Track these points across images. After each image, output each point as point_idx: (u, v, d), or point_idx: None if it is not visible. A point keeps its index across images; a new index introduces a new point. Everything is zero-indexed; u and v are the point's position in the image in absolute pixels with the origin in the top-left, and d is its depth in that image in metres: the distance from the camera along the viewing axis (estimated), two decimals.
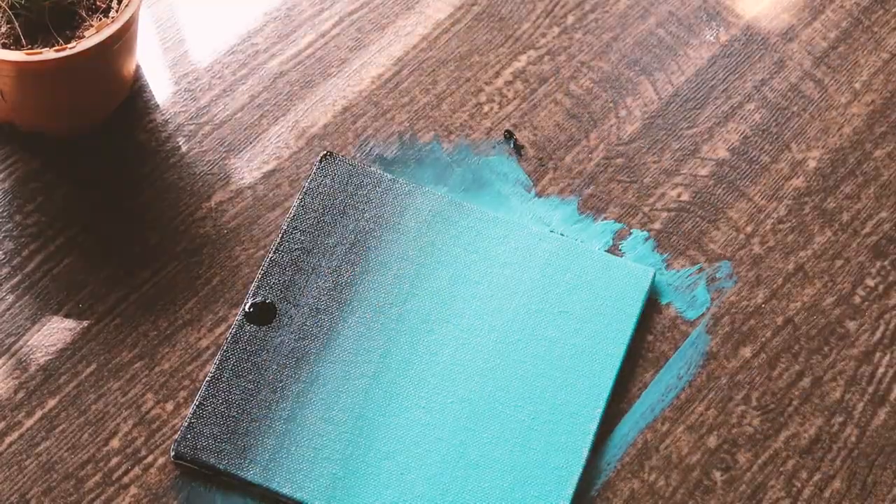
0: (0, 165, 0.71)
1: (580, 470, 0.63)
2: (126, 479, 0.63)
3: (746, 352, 0.69)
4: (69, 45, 0.64)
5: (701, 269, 0.71)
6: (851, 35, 0.80)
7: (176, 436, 0.64)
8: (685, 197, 0.73)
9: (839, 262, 0.72)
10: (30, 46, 0.66)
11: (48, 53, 0.64)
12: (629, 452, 0.65)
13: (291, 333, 0.66)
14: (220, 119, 0.74)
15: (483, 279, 0.68)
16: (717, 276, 0.71)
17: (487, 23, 0.78)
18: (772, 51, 0.79)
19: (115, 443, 0.64)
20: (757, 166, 0.75)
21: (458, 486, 0.63)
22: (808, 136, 0.76)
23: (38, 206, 0.70)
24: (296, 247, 0.68)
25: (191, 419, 0.63)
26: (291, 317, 0.66)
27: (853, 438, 0.66)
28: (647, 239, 0.72)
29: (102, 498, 0.63)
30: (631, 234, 0.72)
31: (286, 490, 0.62)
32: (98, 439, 0.64)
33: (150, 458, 0.64)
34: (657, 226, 0.72)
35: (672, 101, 0.76)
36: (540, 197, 0.72)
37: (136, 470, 0.63)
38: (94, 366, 0.66)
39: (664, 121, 0.76)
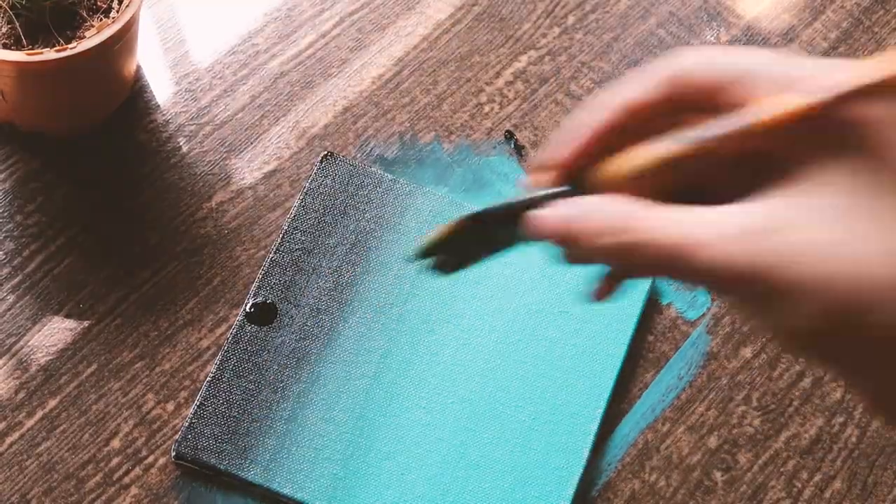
0: (0, 166, 0.71)
1: (581, 470, 0.63)
2: (127, 480, 0.63)
3: (747, 352, 0.69)
4: (70, 46, 0.64)
5: None
6: (852, 35, 0.80)
7: (176, 436, 0.64)
8: None
9: None
10: (30, 47, 0.66)
11: (49, 54, 0.64)
12: (630, 453, 0.65)
13: (292, 334, 0.66)
14: (221, 119, 0.74)
15: (483, 279, 0.68)
16: None
17: (488, 23, 0.78)
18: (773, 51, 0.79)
19: (115, 443, 0.64)
20: None
21: (459, 486, 0.63)
22: None
23: (39, 207, 0.70)
24: (296, 247, 0.68)
25: (191, 419, 0.63)
26: (292, 317, 0.66)
27: (853, 439, 0.66)
28: None
29: (103, 498, 0.63)
30: None
31: (287, 490, 0.62)
32: (99, 439, 0.64)
33: (150, 459, 0.64)
34: None
35: None
36: None
37: (137, 470, 0.63)
38: (94, 366, 0.66)
39: None
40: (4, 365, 0.66)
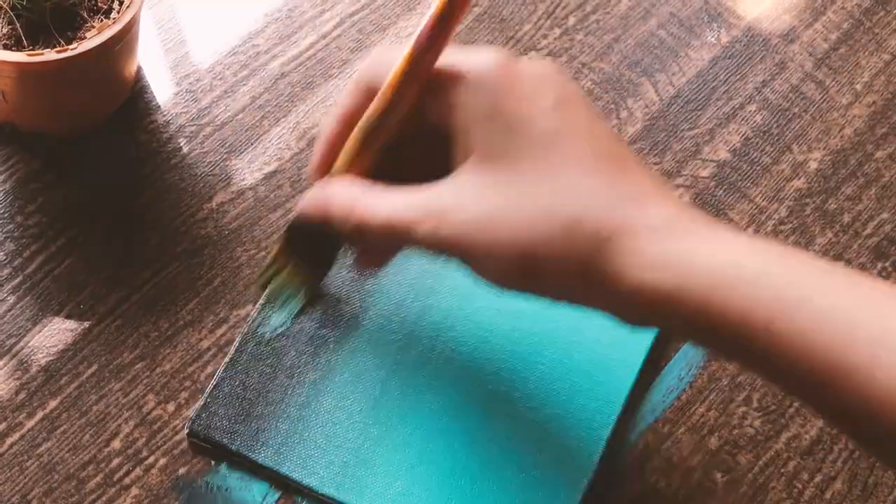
0: (1, 166, 0.71)
1: (591, 476, 0.63)
2: (127, 480, 0.63)
3: None
4: (70, 47, 0.64)
5: None
6: (853, 36, 0.80)
7: (190, 413, 0.64)
8: (686, 198, 0.73)
9: (840, 264, 0.72)
10: (31, 47, 0.66)
11: (49, 54, 0.64)
12: (630, 454, 0.65)
13: (312, 321, 0.66)
14: (222, 120, 0.74)
15: None
16: None
17: (489, 24, 0.78)
18: (773, 52, 0.79)
19: (116, 444, 0.64)
20: (758, 167, 0.75)
21: (469, 483, 0.63)
22: (810, 137, 0.76)
23: (39, 207, 0.70)
24: None
25: (206, 398, 0.63)
26: (313, 304, 0.66)
27: None
28: None
29: (104, 499, 0.63)
30: None
31: (296, 475, 0.62)
32: (99, 440, 0.64)
33: (151, 459, 0.64)
34: None
35: (673, 102, 0.76)
36: None
37: (138, 471, 0.63)
38: (95, 367, 0.66)
39: (665, 122, 0.76)
40: (5, 366, 0.66)
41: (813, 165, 0.75)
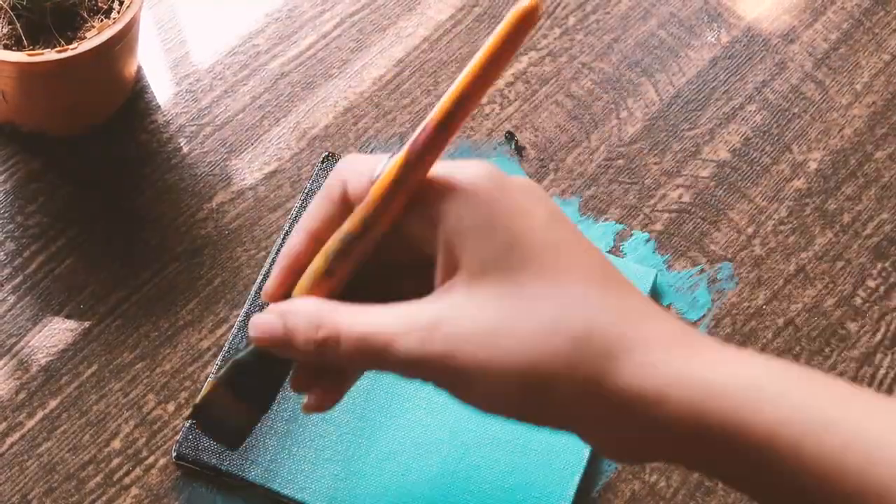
0: (1, 166, 0.71)
1: (581, 471, 0.63)
2: (127, 480, 0.63)
3: None
4: (71, 47, 0.64)
5: (702, 271, 0.71)
6: (852, 37, 0.80)
7: (177, 437, 0.64)
8: (686, 198, 0.73)
9: (840, 264, 0.72)
10: (31, 47, 0.66)
11: (50, 54, 0.64)
12: None
13: None
14: (222, 120, 0.74)
15: None
16: (719, 277, 0.71)
17: (489, 24, 0.78)
18: (773, 52, 0.79)
19: (116, 444, 0.64)
20: (758, 167, 0.75)
21: (460, 487, 0.63)
22: (809, 137, 0.76)
23: (40, 207, 0.70)
24: None
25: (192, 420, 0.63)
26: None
27: None
28: (648, 240, 0.72)
29: (104, 499, 0.63)
30: (632, 235, 0.72)
31: (288, 491, 0.62)
32: (99, 440, 0.64)
33: (151, 459, 0.64)
34: (658, 227, 0.72)
35: (673, 102, 0.76)
36: None
37: (138, 471, 0.63)
38: (95, 366, 0.66)
39: (665, 122, 0.76)
40: (5, 366, 0.66)
41: (813, 165, 0.75)
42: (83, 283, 0.68)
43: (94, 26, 0.67)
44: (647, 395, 0.43)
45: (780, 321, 0.70)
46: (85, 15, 0.67)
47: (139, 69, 0.74)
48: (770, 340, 0.69)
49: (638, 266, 0.70)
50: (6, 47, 0.66)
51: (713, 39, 0.79)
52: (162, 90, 0.75)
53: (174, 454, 0.63)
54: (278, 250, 0.68)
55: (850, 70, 0.78)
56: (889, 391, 0.68)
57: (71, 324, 0.67)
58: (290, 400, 0.64)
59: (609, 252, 0.71)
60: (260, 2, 0.78)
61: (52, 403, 0.65)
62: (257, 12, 0.78)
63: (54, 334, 0.67)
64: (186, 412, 0.65)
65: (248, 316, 0.66)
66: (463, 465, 0.63)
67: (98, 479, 0.63)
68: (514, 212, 0.46)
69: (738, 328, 0.69)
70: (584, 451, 0.64)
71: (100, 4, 0.68)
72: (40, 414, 0.65)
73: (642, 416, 0.43)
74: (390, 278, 0.49)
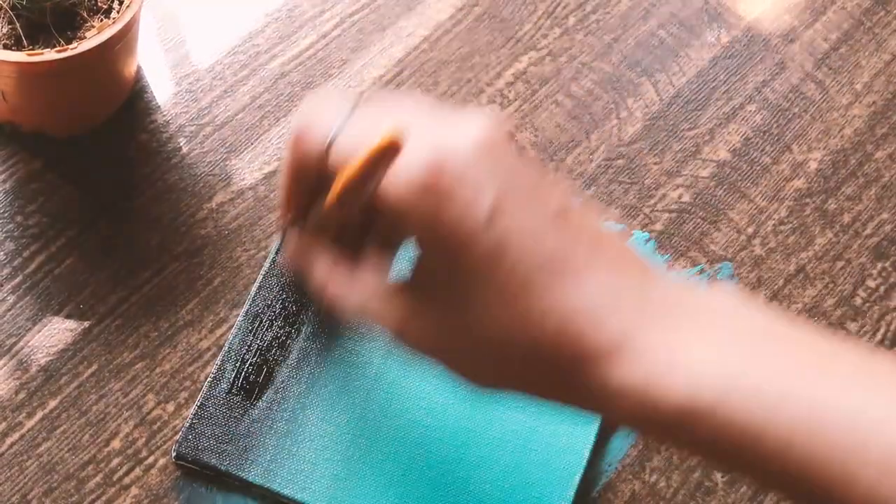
0: (1, 166, 0.71)
1: (581, 471, 0.63)
2: (127, 480, 0.63)
3: None
4: (70, 46, 0.64)
5: (702, 271, 0.71)
6: (853, 37, 0.80)
7: (177, 436, 0.64)
8: (686, 198, 0.73)
9: (840, 264, 0.72)
10: (31, 47, 0.66)
11: (49, 54, 0.64)
12: (630, 454, 0.65)
13: (295, 334, 0.66)
14: (222, 120, 0.74)
15: None
16: (719, 277, 0.71)
17: (489, 24, 0.78)
18: (773, 52, 0.79)
19: (116, 444, 0.64)
20: (758, 167, 0.75)
21: (460, 487, 0.63)
22: (810, 137, 0.76)
23: (40, 207, 0.70)
24: None
25: (192, 420, 0.63)
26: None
27: None
28: (648, 240, 0.72)
29: (103, 499, 0.63)
30: (632, 235, 0.72)
31: (288, 491, 0.62)
32: (99, 440, 0.64)
33: (150, 459, 0.64)
34: (658, 227, 0.72)
35: (673, 102, 0.76)
36: None
37: (138, 471, 0.63)
38: (95, 366, 0.66)
39: (665, 122, 0.76)
40: (4, 365, 0.66)
41: (813, 165, 0.75)
42: (83, 283, 0.68)
43: (93, 26, 0.67)
44: (629, 392, 0.44)
45: None
46: (85, 15, 0.67)
47: (139, 69, 0.74)
48: None
49: None
50: (6, 47, 0.66)
51: (713, 39, 0.79)
52: (162, 90, 0.75)
53: (174, 454, 0.63)
54: (278, 250, 0.68)
55: (850, 70, 0.78)
56: None
57: (71, 324, 0.67)
58: (289, 399, 0.64)
59: None
60: (260, 2, 0.78)
61: (52, 403, 0.65)
62: (257, 12, 0.78)
63: (54, 334, 0.67)
64: (187, 412, 0.65)
65: (248, 316, 0.66)
66: (463, 465, 0.63)
67: (98, 479, 0.63)
68: (451, 217, 0.45)
69: None
70: (585, 451, 0.64)
71: (100, 4, 0.68)
72: (40, 414, 0.65)
73: (627, 410, 0.45)
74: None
